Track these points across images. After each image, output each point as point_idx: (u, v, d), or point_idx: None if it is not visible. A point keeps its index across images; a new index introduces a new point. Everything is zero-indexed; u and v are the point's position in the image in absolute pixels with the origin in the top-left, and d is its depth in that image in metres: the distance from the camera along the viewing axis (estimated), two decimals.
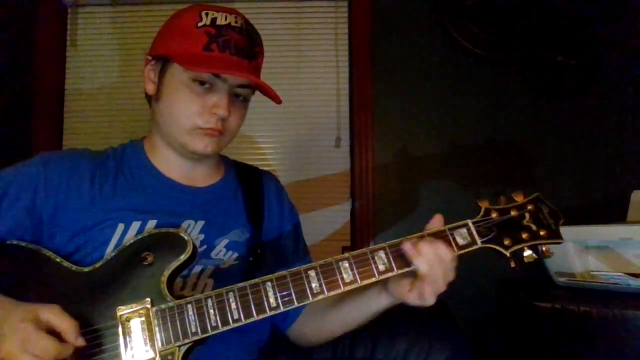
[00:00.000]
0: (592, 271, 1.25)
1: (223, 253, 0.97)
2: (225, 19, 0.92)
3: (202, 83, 0.91)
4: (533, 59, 1.93)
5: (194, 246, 0.85)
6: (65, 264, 0.85)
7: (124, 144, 1.05)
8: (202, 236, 0.96)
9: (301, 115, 2.00)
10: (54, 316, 0.71)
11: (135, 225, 0.91)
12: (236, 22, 0.93)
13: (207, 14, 0.91)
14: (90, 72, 2.01)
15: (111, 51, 2.00)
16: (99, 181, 0.94)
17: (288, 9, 2.02)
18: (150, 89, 0.98)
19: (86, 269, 0.84)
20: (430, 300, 0.82)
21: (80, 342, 0.72)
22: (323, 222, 1.94)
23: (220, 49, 0.90)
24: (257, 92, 0.99)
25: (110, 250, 0.88)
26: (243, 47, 0.92)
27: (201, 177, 1.03)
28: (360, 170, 1.94)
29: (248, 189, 1.07)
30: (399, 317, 0.99)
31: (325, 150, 1.98)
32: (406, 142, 1.95)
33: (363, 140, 1.94)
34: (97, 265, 0.85)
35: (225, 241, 0.98)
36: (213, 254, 0.96)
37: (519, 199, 0.91)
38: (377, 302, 0.91)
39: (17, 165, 0.93)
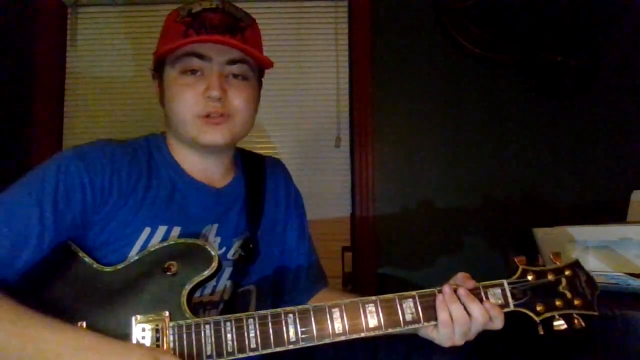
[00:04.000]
0: (592, 271, 1.25)
1: (238, 253, 0.97)
2: (200, 5, 0.91)
3: (192, 72, 0.90)
4: (533, 59, 1.93)
5: (220, 262, 0.84)
6: (87, 259, 0.82)
7: (146, 137, 1.00)
8: (218, 239, 0.96)
9: (301, 115, 2.00)
10: None
11: (162, 230, 0.89)
12: (211, 4, 0.92)
13: (184, 8, 0.92)
14: (90, 72, 2.00)
15: (111, 51, 2.00)
16: (134, 177, 0.90)
17: (288, 9, 2.02)
18: (160, 99, 0.98)
19: (107, 269, 0.82)
20: (457, 342, 0.82)
21: None
22: (323, 222, 1.93)
23: (197, 31, 0.89)
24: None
25: (134, 253, 0.85)
26: (219, 23, 0.90)
27: (219, 175, 1.01)
28: (360, 170, 1.94)
29: (250, 183, 1.05)
30: None
31: (325, 150, 1.98)
32: (406, 141, 1.95)
33: (363, 140, 1.94)
34: (119, 266, 0.82)
35: (240, 242, 0.98)
36: (230, 254, 0.96)
37: (558, 261, 0.88)
38: None
39: (51, 165, 0.85)
